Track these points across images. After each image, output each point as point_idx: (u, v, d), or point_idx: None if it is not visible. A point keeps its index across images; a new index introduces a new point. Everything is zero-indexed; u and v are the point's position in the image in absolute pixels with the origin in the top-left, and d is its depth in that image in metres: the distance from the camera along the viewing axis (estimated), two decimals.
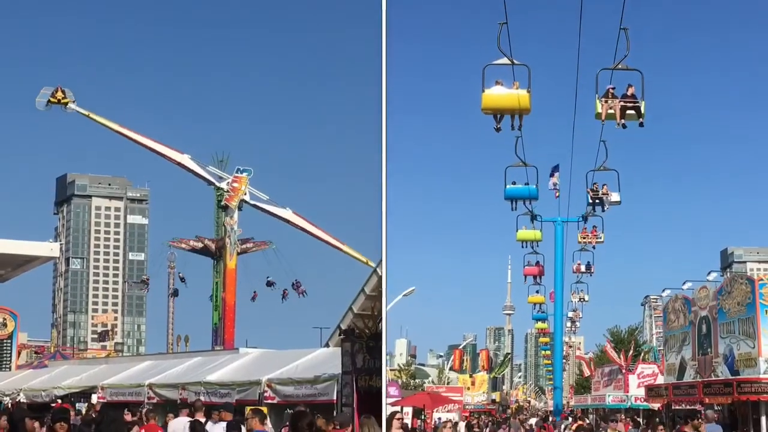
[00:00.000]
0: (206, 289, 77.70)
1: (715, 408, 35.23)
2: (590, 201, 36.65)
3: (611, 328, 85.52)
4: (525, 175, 36.03)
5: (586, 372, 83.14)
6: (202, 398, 25.25)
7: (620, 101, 23.79)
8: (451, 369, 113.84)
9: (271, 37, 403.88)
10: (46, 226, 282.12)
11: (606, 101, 23.86)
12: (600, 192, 35.85)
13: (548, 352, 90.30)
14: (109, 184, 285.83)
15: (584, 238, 47.87)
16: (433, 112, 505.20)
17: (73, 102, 69.82)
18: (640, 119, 24.13)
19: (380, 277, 26.21)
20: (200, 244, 75.46)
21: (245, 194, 73.13)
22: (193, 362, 30.92)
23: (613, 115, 23.89)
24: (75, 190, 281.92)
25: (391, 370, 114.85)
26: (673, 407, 39.76)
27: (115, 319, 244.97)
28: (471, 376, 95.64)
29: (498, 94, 23.25)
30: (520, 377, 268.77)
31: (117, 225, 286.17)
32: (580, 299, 62.14)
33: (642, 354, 76.64)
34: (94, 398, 31.24)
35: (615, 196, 36.16)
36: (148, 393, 28.39)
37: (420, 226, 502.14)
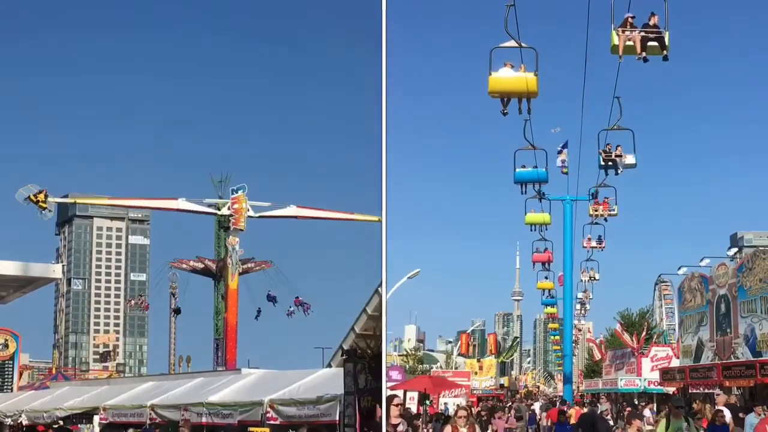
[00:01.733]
0: (208, 310, 77.67)
1: (735, 391, 33.64)
2: (602, 164, 32.75)
3: (622, 311, 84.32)
4: (534, 158, 35.45)
5: (597, 356, 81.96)
6: (204, 419, 25.23)
7: (641, 31, 21.56)
8: (459, 354, 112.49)
9: (264, 31, 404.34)
10: (47, 247, 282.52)
11: (624, 32, 21.55)
12: (613, 153, 32.05)
13: (557, 338, 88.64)
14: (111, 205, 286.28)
15: (596, 210, 44.12)
16: (440, 95, 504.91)
17: (50, 211, 70.73)
18: (664, 52, 21.71)
19: (382, 298, 26.22)
20: (201, 265, 75.43)
21: (248, 211, 73.18)
22: (195, 383, 30.84)
23: (633, 48, 21.55)
24: (76, 210, 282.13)
25: (399, 355, 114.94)
26: (690, 391, 38.15)
27: (117, 339, 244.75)
28: (479, 361, 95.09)
29: (505, 78, 22.80)
30: (529, 363, 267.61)
31: (119, 246, 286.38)
32: (590, 278, 60.16)
33: (654, 337, 75.02)
34: (96, 420, 31.18)
35: (630, 158, 32.43)
36: (150, 414, 28.32)
37: (428, 211, 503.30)
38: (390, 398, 14.72)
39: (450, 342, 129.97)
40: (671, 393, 43.73)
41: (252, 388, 26.79)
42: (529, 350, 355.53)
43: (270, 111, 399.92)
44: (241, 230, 72.99)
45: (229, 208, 72.76)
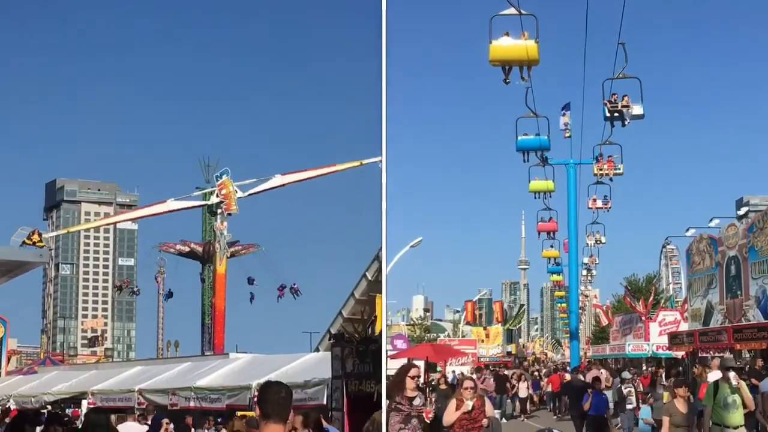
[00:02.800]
0: (195, 294, 77.57)
1: (745, 354, 33.00)
2: (607, 115, 30.85)
3: (628, 276, 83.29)
4: (536, 125, 35.08)
5: (604, 321, 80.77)
6: (191, 404, 25.29)
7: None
8: (465, 323, 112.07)
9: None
10: None
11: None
12: (619, 104, 30.19)
13: (564, 305, 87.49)
14: (99, 190, 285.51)
15: (600, 169, 42.38)
16: (440, 64, 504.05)
17: (50, 248, 71.77)
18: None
19: (369, 282, 26.34)
20: (187, 248, 75.23)
21: (236, 193, 73.06)
22: (183, 367, 30.89)
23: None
24: (64, 195, 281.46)
25: (407, 325, 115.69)
26: (699, 355, 36.82)
27: (105, 324, 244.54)
28: (485, 329, 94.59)
29: (506, 46, 22.93)
30: (536, 330, 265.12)
31: (106, 230, 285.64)
32: (596, 242, 58.97)
33: (662, 301, 74.02)
34: (84, 404, 31.22)
35: (637, 109, 30.66)
36: (138, 399, 28.36)
37: (433, 182, 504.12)
38: (406, 368, 13.60)
39: (458, 311, 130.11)
40: (680, 357, 43.16)
41: (240, 373, 26.85)
42: (536, 318, 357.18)
43: (245, 83, 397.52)
44: (235, 213, 73.03)
45: (217, 195, 72.65)
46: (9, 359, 61.28)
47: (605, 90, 29.55)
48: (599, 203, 48.72)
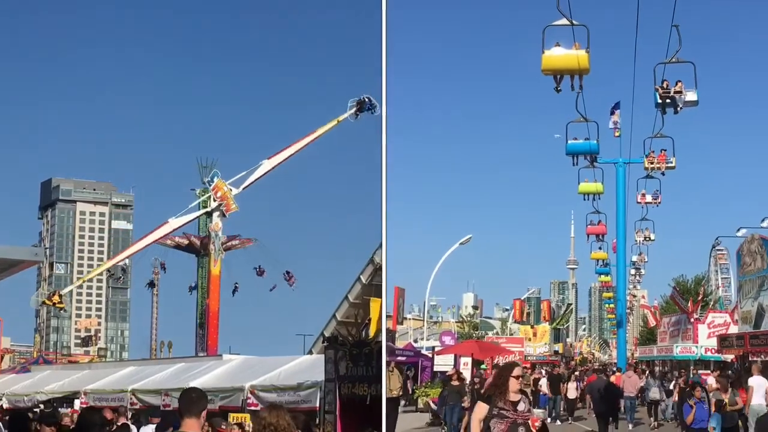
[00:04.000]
0: (189, 294, 77.33)
1: None
2: (659, 101, 29.38)
3: (677, 277, 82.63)
4: (586, 129, 35.85)
5: (652, 322, 79.76)
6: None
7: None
8: (514, 321, 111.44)
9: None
10: (30, 231, 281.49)
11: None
12: (672, 89, 28.72)
13: (612, 306, 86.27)
14: (94, 189, 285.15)
15: (651, 163, 41.13)
16: (493, 71, 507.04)
17: (66, 311, 72.73)
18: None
19: (363, 285, 26.35)
20: (186, 241, 74.83)
21: (231, 191, 73.10)
22: (177, 368, 30.91)
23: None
24: (59, 194, 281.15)
25: (456, 322, 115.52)
26: (750, 358, 35.89)
27: (99, 324, 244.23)
28: (532, 327, 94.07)
29: (557, 55, 23.54)
30: (584, 330, 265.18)
31: (101, 230, 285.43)
32: (645, 238, 57.68)
33: (711, 303, 72.47)
34: (77, 403, 31.22)
35: (691, 95, 29.14)
36: (130, 399, 28.37)
37: (484, 180, 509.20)
38: (509, 368, 11.88)
39: (507, 309, 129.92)
40: (730, 360, 42.36)
41: (233, 374, 26.89)
42: (584, 318, 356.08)
43: (238, 80, 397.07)
44: (236, 210, 73.29)
45: (214, 199, 72.69)
46: (2, 358, 61.32)
47: (657, 75, 28.34)
48: (649, 198, 47.91)
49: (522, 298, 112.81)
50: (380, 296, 22.74)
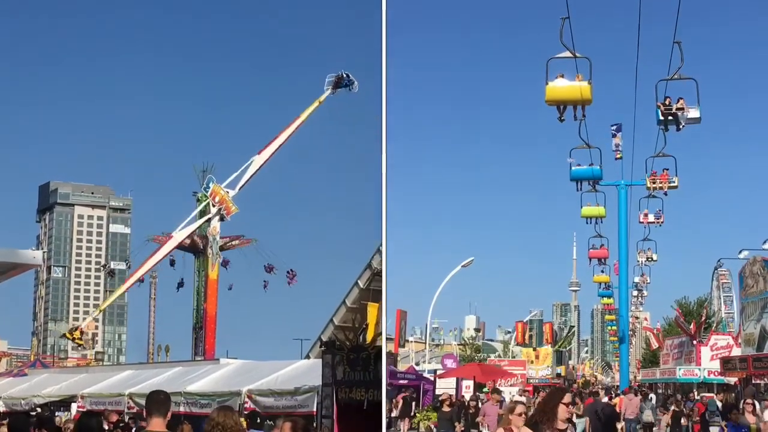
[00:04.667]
0: (187, 296, 77.30)
1: None
2: (661, 118, 29.17)
3: (679, 299, 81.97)
4: (589, 155, 36.84)
5: (654, 344, 79.46)
6: (181, 408, 25.27)
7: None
8: (516, 344, 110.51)
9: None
10: (28, 234, 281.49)
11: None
12: (674, 106, 28.57)
13: (614, 328, 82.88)
14: (92, 193, 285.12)
15: (653, 182, 40.59)
16: (499, 100, 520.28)
17: (85, 347, 74.10)
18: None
19: (361, 290, 26.35)
20: (188, 241, 74.64)
21: (228, 194, 73.16)
22: (174, 372, 30.89)
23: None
24: (57, 198, 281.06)
25: (458, 344, 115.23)
26: (753, 381, 35.82)
27: (96, 328, 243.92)
28: (535, 350, 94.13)
29: (561, 87, 24.10)
30: (586, 352, 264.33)
31: (99, 234, 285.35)
32: (647, 259, 57.17)
33: (714, 325, 72.26)
34: (74, 407, 31.21)
35: (693, 112, 28.97)
36: (128, 402, 28.36)
37: (486, 204, 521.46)
38: (559, 394, 11.25)
39: (509, 332, 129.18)
40: (733, 383, 41.73)
41: (230, 378, 26.87)
42: (586, 340, 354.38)
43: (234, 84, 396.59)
44: (237, 212, 73.54)
45: (213, 205, 72.75)
46: None
47: (659, 92, 28.19)
48: (651, 218, 47.47)
49: (524, 320, 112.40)
50: (378, 301, 22.76)
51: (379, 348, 19.34)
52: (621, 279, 51.27)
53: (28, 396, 34.07)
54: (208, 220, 73.17)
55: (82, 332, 71.88)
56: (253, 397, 23.82)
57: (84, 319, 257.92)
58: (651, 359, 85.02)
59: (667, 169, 40.32)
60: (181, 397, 25.98)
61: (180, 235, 72.48)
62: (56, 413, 32.09)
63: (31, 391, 34.95)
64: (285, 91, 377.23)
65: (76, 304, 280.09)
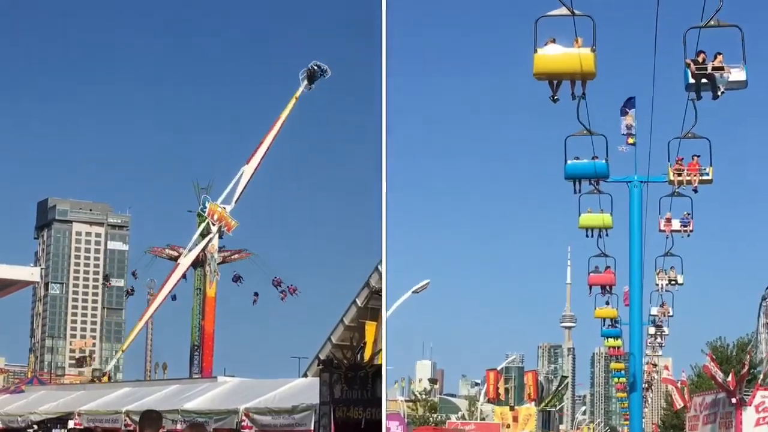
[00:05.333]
0: (185, 316, 77.31)
1: None
2: (691, 81, 19.69)
3: (712, 341, 65.11)
4: (591, 146, 26.15)
5: (678, 403, 59.07)
6: (178, 426, 25.24)
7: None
8: (486, 400, 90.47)
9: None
10: (26, 251, 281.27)
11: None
12: (709, 64, 19.38)
13: (623, 381, 68.10)
14: (90, 210, 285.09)
15: (678, 173, 28.52)
16: (474, 71, 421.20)
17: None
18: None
19: (359, 308, 26.39)
20: (177, 254, 74.70)
21: (226, 210, 73.42)
22: (171, 390, 30.84)
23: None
24: (56, 214, 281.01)
25: (406, 401, 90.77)
26: None
27: (93, 345, 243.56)
28: (512, 409, 79.20)
29: (554, 55, 17.60)
30: (584, 413, 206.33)
31: (97, 251, 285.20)
32: (670, 281, 42.01)
33: (762, 378, 50.86)
34: (71, 424, 31.16)
35: (737, 73, 19.67)
36: (125, 420, 28.32)
37: (449, 210, 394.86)
38: None
39: (477, 384, 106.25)
40: None
41: (228, 397, 26.83)
42: (584, 396, 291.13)
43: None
44: (237, 226, 73.88)
45: (212, 223, 72.97)
46: None
47: (688, 45, 18.98)
48: (676, 224, 34.59)
49: (498, 369, 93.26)
50: (376, 319, 22.76)
51: (378, 366, 19.32)
52: (633, 312, 35.14)
53: (25, 413, 33.99)
54: (210, 240, 73.32)
55: (103, 374, 72.70)
56: (250, 416, 23.79)
57: (82, 336, 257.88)
58: (674, 423, 69.47)
59: (698, 156, 28.70)
60: (178, 414, 25.93)
61: (186, 260, 72.81)
62: (53, 430, 32.06)
63: (28, 408, 34.87)
64: (267, 93, 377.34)
65: (74, 321, 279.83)
